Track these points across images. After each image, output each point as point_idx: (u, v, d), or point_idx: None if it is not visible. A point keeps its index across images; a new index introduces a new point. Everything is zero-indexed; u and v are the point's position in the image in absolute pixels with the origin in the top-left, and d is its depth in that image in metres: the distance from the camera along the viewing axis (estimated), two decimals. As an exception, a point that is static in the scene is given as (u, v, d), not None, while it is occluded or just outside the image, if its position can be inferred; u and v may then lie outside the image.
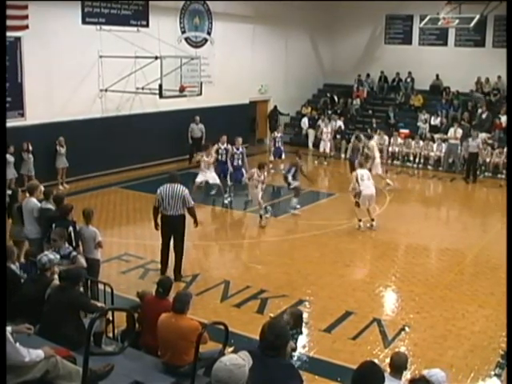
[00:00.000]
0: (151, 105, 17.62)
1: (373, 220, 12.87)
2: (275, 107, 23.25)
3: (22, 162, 14.57)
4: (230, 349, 6.31)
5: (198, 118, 18.77)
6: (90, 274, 7.60)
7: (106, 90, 16.56)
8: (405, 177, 19.13)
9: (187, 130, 18.80)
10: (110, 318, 6.66)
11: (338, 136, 21.15)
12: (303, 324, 6.67)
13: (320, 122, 21.47)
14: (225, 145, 14.73)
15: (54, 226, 7.90)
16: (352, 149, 17.53)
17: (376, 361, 5.51)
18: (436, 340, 7.95)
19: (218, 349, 5.53)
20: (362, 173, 12.86)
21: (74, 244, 7.88)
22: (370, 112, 23.58)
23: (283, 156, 18.12)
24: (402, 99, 23.41)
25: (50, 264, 6.19)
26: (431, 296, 9.45)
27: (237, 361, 3.26)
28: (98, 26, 16.24)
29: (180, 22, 19.15)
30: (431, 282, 10.08)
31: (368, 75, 24.67)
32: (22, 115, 15.06)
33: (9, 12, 12.72)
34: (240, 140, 14.87)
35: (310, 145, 22.08)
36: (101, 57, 16.23)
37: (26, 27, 14.45)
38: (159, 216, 9.61)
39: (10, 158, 13.96)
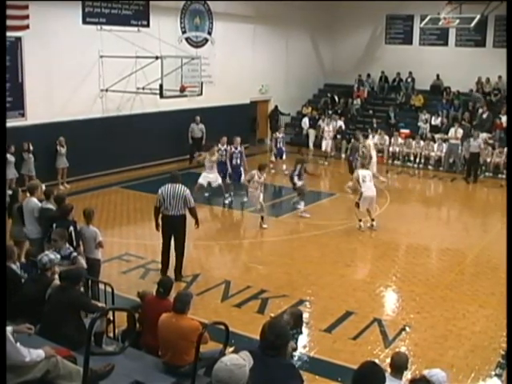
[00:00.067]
0: (152, 105, 17.62)
1: (373, 220, 12.87)
2: (276, 107, 23.26)
3: (23, 162, 14.57)
4: (231, 349, 6.31)
5: (198, 118, 18.78)
6: (91, 274, 7.61)
7: (106, 90, 16.56)
8: (405, 177, 19.14)
9: (188, 130, 18.82)
10: (111, 318, 6.66)
11: (339, 136, 21.15)
12: (303, 324, 6.67)
13: (321, 121, 21.51)
14: (225, 146, 14.75)
15: (54, 225, 7.90)
16: (350, 149, 17.59)
17: (377, 361, 5.51)
18: (437, 340, 7.94)
19: (219, 349, 5.53)
20: (364, 174, 12.83)
21: (74, 244, 7.88)
22: (371, 112, 23.58)
23: (284, 156, 18.14)
24: (402, 99, 23.41)
25: (50, 264, 6.19)
26: (432, 296, 9.45)
27: (237, 361, 3.26)
28: (99, 26, 16.23)
29: (181, 22, 19.15)
30: (432, 282, 10.08)
31: (368, 75, 24.67)
32: (23, 115, 15.07)
33: (9, 12, 12.74)
34: (238, 139, 14.87)
35: (311, 145, 22.07)
36: (101, 57, 16.23)
37: (27, 27, 14.45)
38: (160, 216, 9.61)
39: (10, 157, 13.97)
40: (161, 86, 15.54)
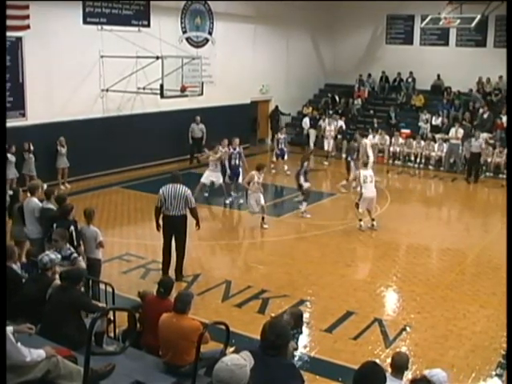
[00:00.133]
0: (152, 105, 17.62)
1: (373, 220, 12.87)
2: (276, 107, 23.25)
3: (24, 162, 14.58)
4: (231, 349, 6.31)
5: (198, 118, 18.78)
6: (92, 274, 7.61)
7: (107, 90, 16.56)
8: (406, 177, 19.14)
9: (188, 130, 18.82)
10: (111, 318, 6.66)
11: (339, 136, 21.15)
12: (304, 324, 6.67)
13: (321, 121, 21.50)
14: (226, 148, 14.75)
15: (55, 225, 7.90)
16: (347, 149, 17.63)
17: (377, 361, 5.50)
18: (437, 340, 7.94)
19: (219, 349, 5.54)
20: (365, 174, 12.79)
21: (75, 243, 7.88)
22: (372, 112, 23.57)
23: (286, 157, 18.16)
24: (403, 99, 23.40)
25: (51, 264, 6.19)
26: (432, 296, 9.45)
27: (238, 361, 3.26)
28: (99, 26, 16.23)
29: (181, 22, 19.15)
30: (432, 282, 10.07)
31: (369, 75, 24.66)
32: (23, 115, 15.06)
33: (10, 12, 12.75)
34: (237, 141, 14.86)
35: (312, 145, 22.07)
36: (102, 57, 16.23)
37: (28, 27, 14.44)
38: (161, 216, 9.61)
39: (11, 157, 13.98)
40: (161, 86, 15.55)
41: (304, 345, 7.57)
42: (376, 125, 21.52)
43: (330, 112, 22.91)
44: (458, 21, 19.88)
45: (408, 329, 8.27)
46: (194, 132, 18.89)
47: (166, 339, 5.60)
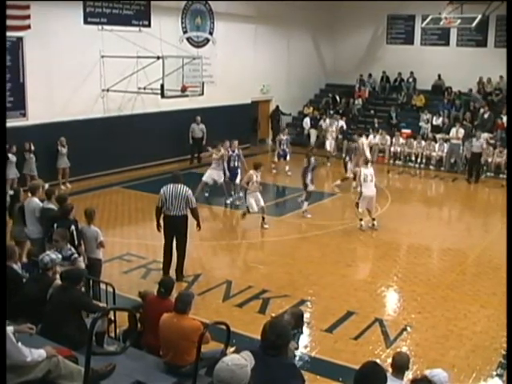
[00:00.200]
0: (153, 105, 17.63)
1: (374, 220, 12.86)
2: (277, 107, 23.25)
3: (24, 162, 14.59)
4: (232, 349, 6.31)
5: (199, 118, 18.78)
6: (92, 274, 7.61)
7: (107, 90, 16.57)
8: (407, 177, 19.15)
9: (189, 130, 18.82)
10: (112, 318, 6.66)
11: (340, 136, 21.13)
12: (304, 324, 6.67)
13: (322, 122, 21.50)
14: (225, 150, 14.75)
15: (55, 225, 7.90)
16: (346, 150, 17.67)
17: (378, 361, 5.50)
18: (438, 340, 7.94)
19: (220, 349, 5.53)
20: (366, 173, 12.76)
21: (76, 243, 7.88)
22: (372, 112, 23.56)
23: (288, 157, 18.16)
24: (403, 99, 23.40)
25: (51, 264, 6.19)
26: (433, 296, 9.44)
27: (239, 361, 3.26)
28: (100, 26, 16.23)
29: (182, 22, 19.15)
30: (433, 282, 10.07)
31: (370, 75, 24.67)
32: (24, 115, 15.07)
33: (11, 12, 12.76)
34: (235, 143, 14.85)
35: (312, 145, 22.05)
36: (102, 57, 16.23)
37: (28, 27, 14.45)
38: (162, 216, 9.61)
39: (12, 157, 14.00)
40: (162, 85, 15.56)
41: (305, 345, 7.57)
42: (377, 125, 21.53)
43: (331, 112, 22.92)
44: (459, 21, 19.87)
45: (409, 329, 8.26)
46: (194, 132, 18.89)
47: (167, 339, 5.60)
